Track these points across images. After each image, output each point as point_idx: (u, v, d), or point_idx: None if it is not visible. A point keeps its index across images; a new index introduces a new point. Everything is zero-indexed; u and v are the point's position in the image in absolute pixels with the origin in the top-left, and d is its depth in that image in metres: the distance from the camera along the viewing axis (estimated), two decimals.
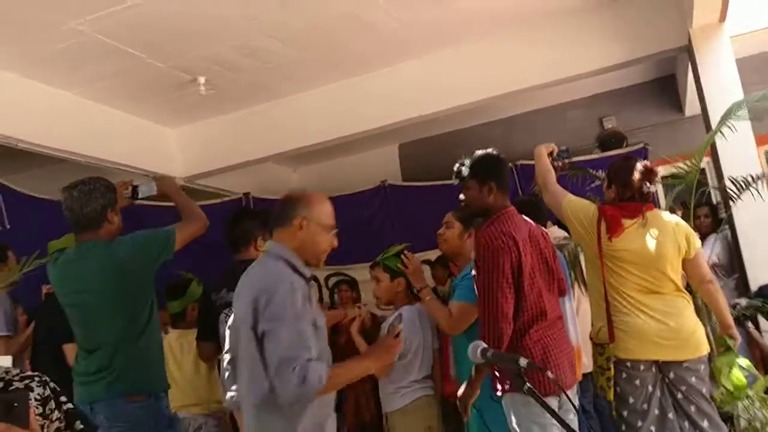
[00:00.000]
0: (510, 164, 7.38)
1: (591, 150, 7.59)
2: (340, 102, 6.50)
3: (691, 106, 7.17)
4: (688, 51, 5.45)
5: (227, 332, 3.15)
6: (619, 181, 3.39)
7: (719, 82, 5.01)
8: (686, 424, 3.20)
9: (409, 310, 3.56)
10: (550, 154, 3.65)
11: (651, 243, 3.22)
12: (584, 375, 3.77)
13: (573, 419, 2.80)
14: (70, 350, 3.50)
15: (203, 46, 5.11)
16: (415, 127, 7.43)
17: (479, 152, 3.06)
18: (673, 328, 3.16)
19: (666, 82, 7.60)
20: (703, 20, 4.94)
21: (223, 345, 3.24)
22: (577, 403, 3.00)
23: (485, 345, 1.98)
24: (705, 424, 3.16)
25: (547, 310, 2.82)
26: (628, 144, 7.48)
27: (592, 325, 3.47)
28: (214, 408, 3.77)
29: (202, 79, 5.60)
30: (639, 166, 3.40)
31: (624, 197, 3.34)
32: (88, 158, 5.84)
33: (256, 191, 7.42)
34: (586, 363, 3.61)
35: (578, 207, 3.42)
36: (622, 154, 6.92)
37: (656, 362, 3.21)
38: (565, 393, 2.56)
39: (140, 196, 3.07)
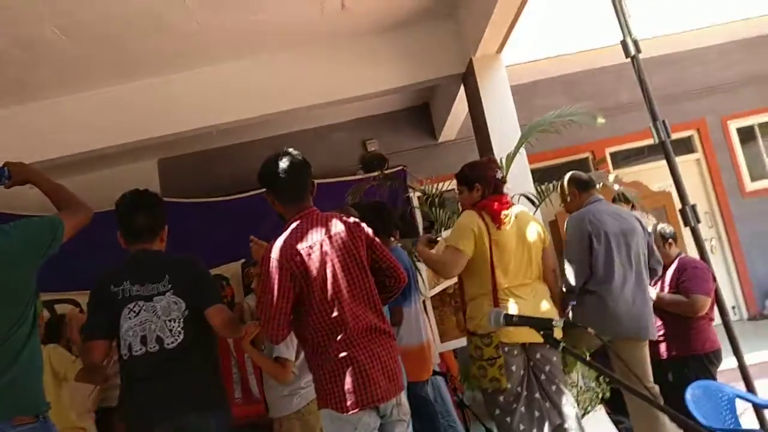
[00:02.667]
0: None
1: (355, 171, 7.89)
2: (102, 111, 5.96)
3: (445, 133, 7.90)
4: (463, 78, 6.00)
5: (132, 329, 2.82)
6: (482, 179, 3.63)
7: (499, 108, 5.57)
8: (547, 404, 3.47)
9: None
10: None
11: (522, 231, 3.55)
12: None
13: (403, 430, 2.79)
14: None
15: None
16: (176, 143, 7.10)
17: None
18: (542, 312, 3.44)
19: (420, 111, 8.26)
20: (485, 50, 5.47)
21: (127, 342, 2.83)
22: (407, 411, 2.83)
23: (505, 312, 1.97)
24: (563, 400, 3.49)
25: (349, 320, 2.68)
26: (389, 166, 7.91)
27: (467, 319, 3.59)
28: None
29: None
30: (483, 160, 3.75)
31: (488, 191, 3.58)
32: None
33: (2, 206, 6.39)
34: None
35: (469, 229, 3.52)
36: (389, 174, 7.31)
37: (524, 345, 3.44)
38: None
39: None
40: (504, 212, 3.54)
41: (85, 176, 7.29)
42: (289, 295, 2.64)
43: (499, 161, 5.07)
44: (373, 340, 2.72)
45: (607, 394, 4.37)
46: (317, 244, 2.72)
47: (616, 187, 4.75)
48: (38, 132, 5.77)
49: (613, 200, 5.84)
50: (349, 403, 2.61)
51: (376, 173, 7.54)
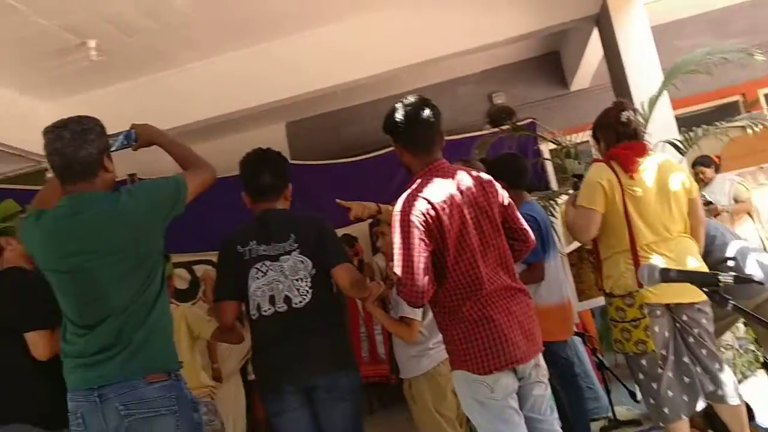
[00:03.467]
0: None
1: (481, 126, 7.62)
2: (229, 75, 6.02)
3: (577, 81, 7.47)
4: (597, 20, 5.60)
5: (259, 289, 2.82)
6: (600, 128, 3.36)
7: (637, 50, 5.15)
8: (698, 368, 3.18)
9: None
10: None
11: (664, 180, 3.20)
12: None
13: (542, 392, 2.62)
14: (37, 339, 2.67)
15: (99, 1, 4.44)
16: (303, 105, 7.14)
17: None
18: (690, 269, 3.11)
19: (549, 59, 7.84)
20: None
21: (256, 302, 2.84)
22: (545, 373, 2.65)
23: (661, 266, 1.77)
24: (716, 366, 3.17)
25: (484, 279, 2.51)
26: (517, 119, 7.58)
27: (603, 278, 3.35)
28: (199, 393, 3.26)
29: (92, 43, 4.88)
30: (610, 105, 3.42)
31: (613, 140, 3.29)
32: None
33: (143, 173, 6.68)
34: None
35: (596, 183, 3.23)
36: (519, 125, 7.01)
37: (668, 306, 3.17)
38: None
39: (114, 148, 2.51)
40: (637, 159, 3.20)
41: (216, 142, 7.51)
42: (428, 251, 2.47)
43: (640, 107, 4.70)
44: (508, 298, 2.55)
45: None
46: (450, 199, 2.54)
47: None
48: (170, 99, 5.93)
49: None
50: (485, 364, 2.46)
51: (504, 126, 7.29)
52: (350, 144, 7.80)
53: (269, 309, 2.82)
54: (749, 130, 4.30)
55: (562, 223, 4.60)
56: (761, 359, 3.99)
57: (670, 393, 3.12)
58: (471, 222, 2.55)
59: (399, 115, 2.65)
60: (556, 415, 2.66)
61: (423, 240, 2.46)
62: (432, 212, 2.48)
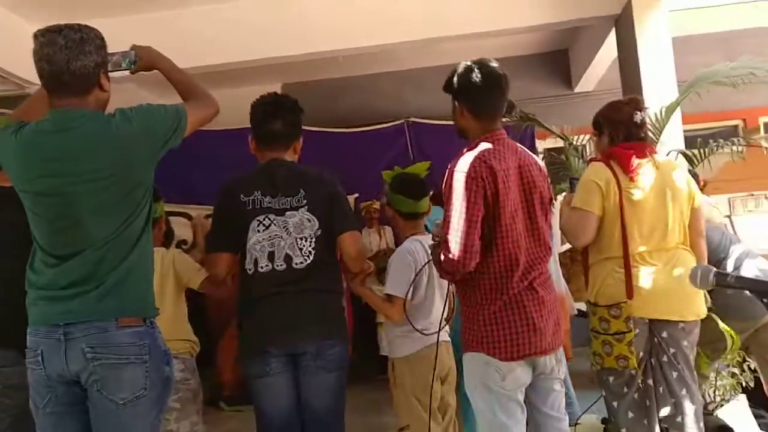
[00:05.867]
0: (402, 120, 7.24)
1: None
2: (230, 25, 5.84)
3: (583, 83, 7.37)
4: (617, 21, 5.48)
5: (259, 243, 2.64)
6: (608, 122, 3.14)
7: (656, 57, 5.05)
8: (661, 388, 3.01)
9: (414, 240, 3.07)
10: None
11: (664, 184, 2.98)
12: None
13: (560, 389, 2.50)
14: None
15: None
16: (302, 68, 6.94)
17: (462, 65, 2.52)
18: (678, 285, 2.89)
19: (557, 57, 7.73)
20: None
21: (254, 256, 2.64)
22: (564, 370, 2.59)
23: (715, 269, 1.63)
24: (682, 392, 2.96)
25: (523, 261, 2.38)
26: (517, 114, 7.45)
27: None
28: (179, 347, 2.99)
29: None
30: (620, 99, 3.25)
31: (619, 137, 3.08)
32: None
33: None
34: None
35: (593, 183, 3.02)
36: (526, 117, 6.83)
37: (650, 322, 2.98)
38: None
39: (111, 68, 2.22)
40: (638, 160, 2.98)
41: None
42: (479, 217, 2.32)
43: (654, 115, 4.58)
44: (542, 285, 2.42)
45: (751, 384, 3.89)
46: (510, 170, 2.38)
47: None
48: (173, 39, 5.41)
49: None
50: (511, 350, 2.32)
51: (505, 119, 7.09)
52: (346, 115, 7.62)
53: (267, 266, 2.63)
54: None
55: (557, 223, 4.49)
56: (743, 385, 3.91)
57: (630, 414, 2.97)
58: (524, 200, 2.42)
59: (476, 76, 2.44)
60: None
61: (479, 205, 2.31)
62: (490, 177, 2.33)
